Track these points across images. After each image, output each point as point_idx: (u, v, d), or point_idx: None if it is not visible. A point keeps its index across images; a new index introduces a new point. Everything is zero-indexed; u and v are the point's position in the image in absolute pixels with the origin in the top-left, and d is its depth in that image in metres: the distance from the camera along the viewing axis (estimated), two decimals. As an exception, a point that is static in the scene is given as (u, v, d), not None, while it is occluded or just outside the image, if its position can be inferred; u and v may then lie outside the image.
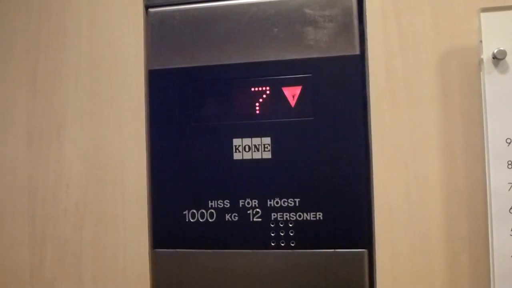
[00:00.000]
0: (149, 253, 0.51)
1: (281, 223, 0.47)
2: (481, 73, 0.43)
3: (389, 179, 0.46)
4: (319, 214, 0.47)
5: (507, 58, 0.42)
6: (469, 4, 0.45)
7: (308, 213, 0.47)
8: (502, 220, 0.42)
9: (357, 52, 0.47)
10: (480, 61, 0.43)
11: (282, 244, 0.47)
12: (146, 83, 0.52)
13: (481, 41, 0.43)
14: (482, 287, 0.44)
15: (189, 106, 0.50)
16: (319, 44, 0.48)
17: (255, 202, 0.48)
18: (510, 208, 0.42)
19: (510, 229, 0.42)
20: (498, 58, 0.42)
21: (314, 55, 0.48)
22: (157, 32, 0.52)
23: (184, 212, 0.50)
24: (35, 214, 0.54)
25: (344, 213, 0.46)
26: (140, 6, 0.52)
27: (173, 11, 0.51)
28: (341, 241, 0.46)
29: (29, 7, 0.55)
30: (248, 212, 0.48)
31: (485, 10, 0.42)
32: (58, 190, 0.53)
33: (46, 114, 0.54)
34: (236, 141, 0.49)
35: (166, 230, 0.50)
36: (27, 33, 0.55)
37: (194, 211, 0.49)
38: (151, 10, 0.52)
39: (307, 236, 0.47)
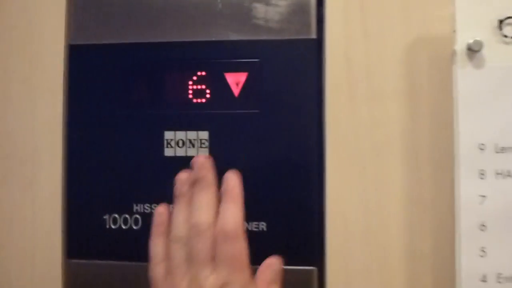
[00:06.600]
0: (62, 264, 0.43)
1: (218, 233, 0.40)
2: (454, 67, 0.37)
3: (344, 185, 0.40)
4: (262, 225, 0.40)
5: (483, 51, 0.36)
6: (443, -13, 0.39)
7: (250, 223, 0.40)
8: (471, 238, 0.36)
9: (314, 36, 0.41)
10: (453, 53, 0.37)
11: (218, 258, 0.40)
12: (65, 60, 0.44)
13: (454, 31, 0.37)
14: (446, 313, 0.38)
15: (115, 90, 0.42)
16: (269, 24, 0.41)
17: (187, 207, 0.41)
18: (481, 225, 0.36)
19: (480, 249, 0.36)
20: (473, 50, 0.36)
21: (263, 37, 0.41)
22: (82, 1, 0.43)
23: (104, 217, 0.42)
24: None
25: (291, 224, 0.40)
26: (60, -31, 0.44)
27: (101, -24, 0.43)
28: (287, 257, 0.40)
29: None
30: (180, 219, 0.41)
31: (461, -7, 0.36)
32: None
33: None
34: (168, 134, 0.41)
35: (82, 237, 0.43)
36: None
37: (116, 216, 0.42)
38: (74, -26, 0.44)
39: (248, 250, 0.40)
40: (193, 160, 0.38)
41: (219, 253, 0.35)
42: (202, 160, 0.38)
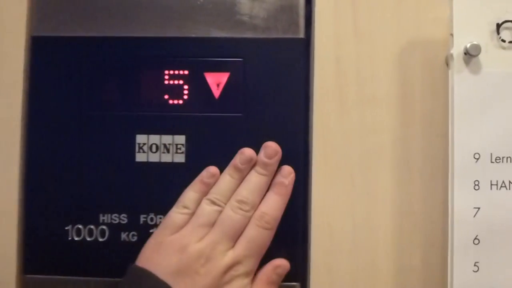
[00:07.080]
0: (16, 280, 0.39)
1: (194, 247, 0.37)
2: (450, 71, 0.35)
3: (331, 195, 0.38)
4: (243, 237, 0.37)
5: (480, 56, 0.34)
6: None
7: (229, 236, 0.37)
8: (465, 252, 0.34)
9: (302, 35, 0.39)
10: (449, 57, 0.35)
11: (194, 274, 0.37)
12: (27, 53, 0.40)
13: (451, 34, 0.35)
14: (436, 331, 0.36)
15: (82, 88, 0.39)
16: (255, 21, 0.38)
17: (160, 218, 0.38)
18: (475, 239, 0.34)
19: (473, 264, 0.34)
20: (471, 55, 0.34)
21: (248, 35, 0.38)
22: (46, -11, 0.40)
23: (66, 228, 0.38)
24: None
25: (273, 237, 0.37)
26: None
27: (68, -37, 0.40)
28: (269, 272, 0.37)
29: None
30: (151, 231, 0.38)
31: (459, -5, 0.35)
32: None
33: None
34: (140, 138, 0.38)
35: (41, 251, 0.39)
36: None
37: (80, 226, 0.38)
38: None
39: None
40: (266, 143, 0.37)
41: (248, 234, 0.36)
42: (276, 148, 0.37)
